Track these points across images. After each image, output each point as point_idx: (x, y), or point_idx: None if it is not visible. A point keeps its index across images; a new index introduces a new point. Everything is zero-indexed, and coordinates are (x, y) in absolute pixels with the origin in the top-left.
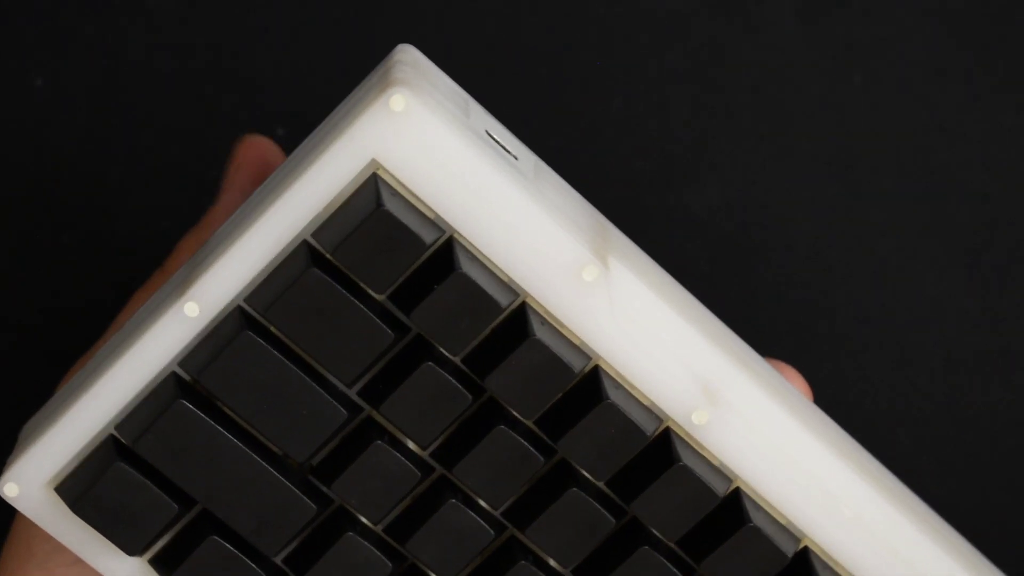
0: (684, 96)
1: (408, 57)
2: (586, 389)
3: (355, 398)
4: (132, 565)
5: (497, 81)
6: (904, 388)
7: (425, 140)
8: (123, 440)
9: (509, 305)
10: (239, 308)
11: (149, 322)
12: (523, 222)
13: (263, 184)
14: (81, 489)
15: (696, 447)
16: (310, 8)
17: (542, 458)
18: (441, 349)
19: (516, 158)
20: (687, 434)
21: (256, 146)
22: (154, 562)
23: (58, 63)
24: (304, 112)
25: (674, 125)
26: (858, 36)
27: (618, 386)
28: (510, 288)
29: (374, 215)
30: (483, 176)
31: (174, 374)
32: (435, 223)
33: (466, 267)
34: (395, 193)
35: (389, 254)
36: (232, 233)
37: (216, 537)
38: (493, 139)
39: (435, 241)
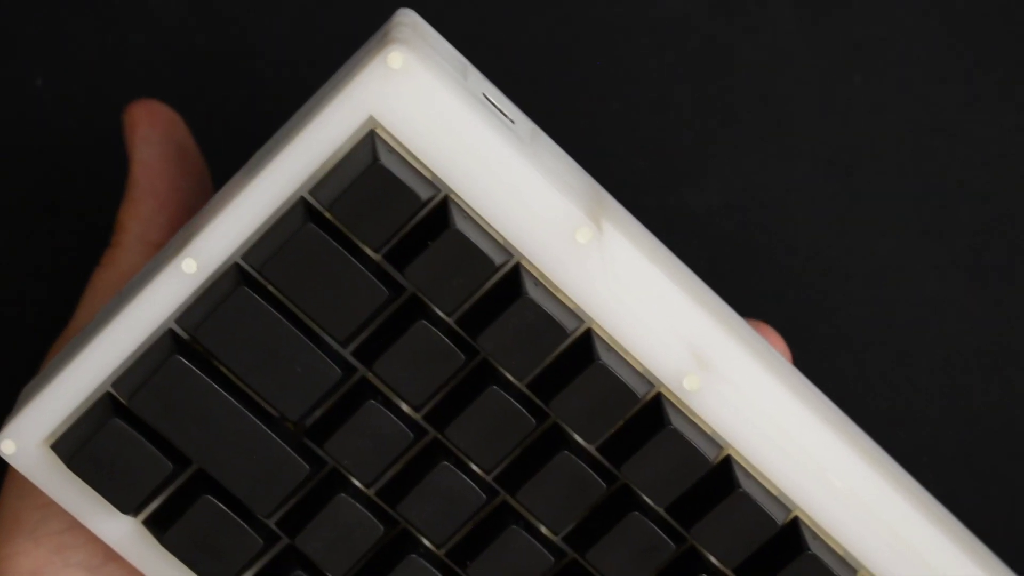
0: (684, 96)
1: (408, 20)
2: (578, 351)
3: (349, 358)
4: (126, 525)
5: (497, 81)
6: (904, 388)
7: (422, 98)
8: (119, 397)
9: (502, 265)
10: (236, 265)
11: (147, 280)
12: (518, 182)
13: (264, 145)
14: (76, 445)
15: (687, 413)
16: (310, 7)
17: (534, 420)
18: (435, 308)
19: (513, 121)
20: (679, 400)
21: (150, 111)
22: (148, 523)
23: (58, 63)
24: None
25: (674, 125)
26: (858, 36)
27: (610, 349)
28: (504, 248)
29: (370, 169)
30: (479, 135)
31: (171, 331)
32: (431, 181)
33: (460, 225)
34: (391, 150)
35: (384, 209)
36: (230, 191)
37: (209, 496)
38: (490, 102)
39: (430, 199)
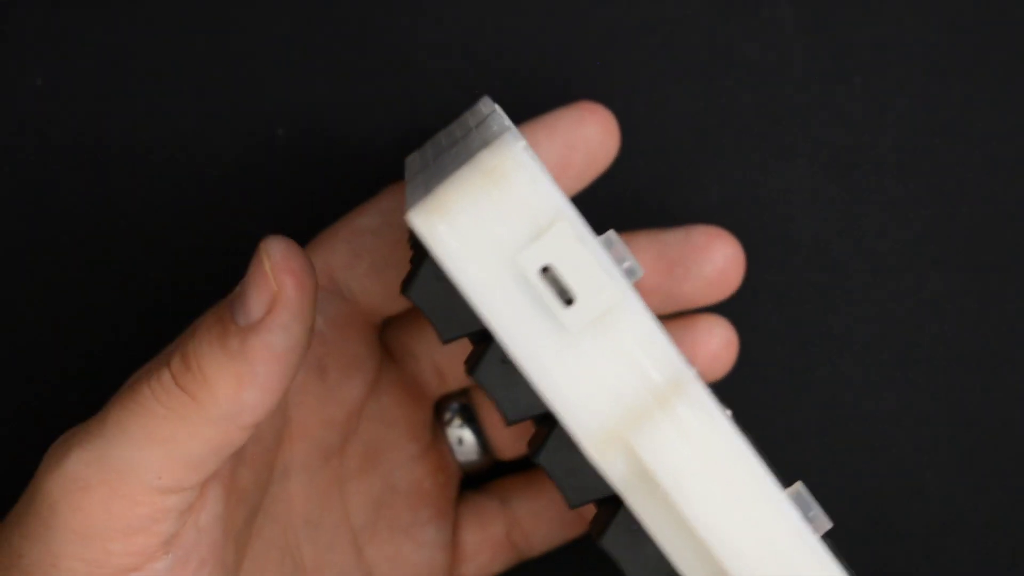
0: (684, 96)
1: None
2: None
3: None
4: None
5: (497, 81)
6: (904, 388)
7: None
8: None
9: None
10: None
11: None
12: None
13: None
14: None
15: None
16: (310, 7)
17: None
18: None
19: (569, 302)
20: None
21: (299, 279)
22: None
23: (58, 63)
24: (304, 112)
25: (674, 125)
26: (858, 36)
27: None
28: None
29: None
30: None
31: None
32: None
33: None
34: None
35: None
36: None
37: None
38: (544, 280)
39: None
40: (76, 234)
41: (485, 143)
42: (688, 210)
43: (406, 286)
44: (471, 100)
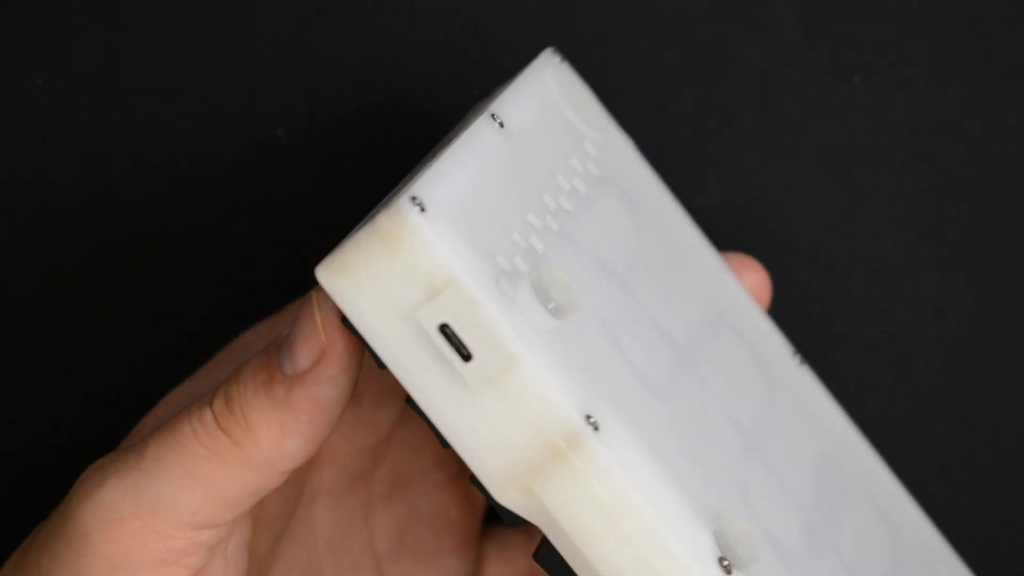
0: (684, 96)
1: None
2: None
3: None
4: None
5: (495, 81)
6: (904, 388)
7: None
8: None
9: None
10: None
11: None
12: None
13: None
14: None
15: None
16: (310, 7)
17: None
18: None
19: (468, 358)
20: None
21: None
22: None
23: (58, 63)
24: (304, 112)
25: (674, 125)
26: (858, 36)
27: None
28: None
29: None
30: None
31: None
32: None
33: None
34: None
35: None
36: None
37: None
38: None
39: None
40: (76, 234)
41: (392, 201)
42: (688, 210)
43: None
44: (471, 100)
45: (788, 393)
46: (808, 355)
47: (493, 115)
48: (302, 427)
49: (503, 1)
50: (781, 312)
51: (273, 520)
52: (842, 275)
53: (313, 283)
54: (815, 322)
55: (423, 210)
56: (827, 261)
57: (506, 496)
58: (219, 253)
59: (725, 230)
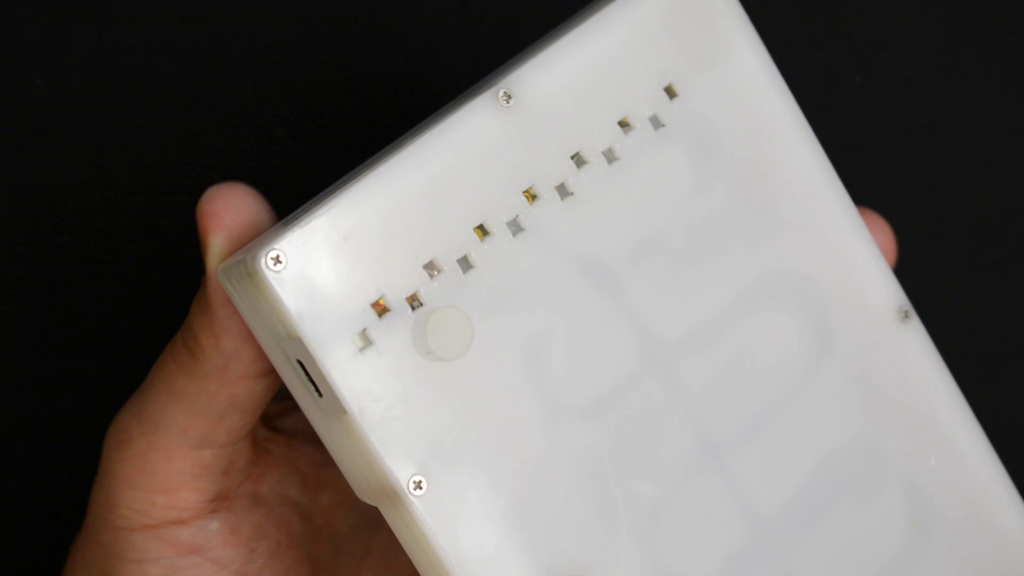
0: None
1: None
2: None
3: None
4: None
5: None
6: None
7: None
8: None
9: None
10: None
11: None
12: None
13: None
14: None
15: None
16: (310, 7)
17: None
18: None
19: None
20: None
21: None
22: None
23: (58, 63)
24: (304, 112)
25: None
26: (858, 36)
27: None
28: None
29: None
30: None
31: None
32: None
33: None
34: None
35: None
36: None
37: None
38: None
39: None
40: (76, 234)
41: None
42: None
43: None
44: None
45: (851, 363)
46: None
47: (503, 92)
48: (225, 323)
49: (504, 2)
50: None
51: (336, 535)
52: None
53: None
54: None
55: (279, 262)
56: None
57: (367, 500)
58: None
59: None
